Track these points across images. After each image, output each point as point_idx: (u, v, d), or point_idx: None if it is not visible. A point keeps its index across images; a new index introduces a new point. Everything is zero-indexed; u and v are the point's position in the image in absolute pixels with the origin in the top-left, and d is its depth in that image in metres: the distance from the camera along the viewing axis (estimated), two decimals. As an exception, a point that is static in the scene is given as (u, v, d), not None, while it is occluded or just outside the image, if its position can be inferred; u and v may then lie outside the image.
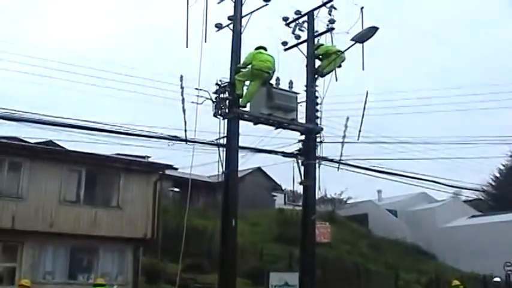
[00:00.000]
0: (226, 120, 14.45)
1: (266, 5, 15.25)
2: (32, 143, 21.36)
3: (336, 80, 16.30)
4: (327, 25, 16.20)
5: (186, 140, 14.63)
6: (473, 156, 22.61)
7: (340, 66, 16.40)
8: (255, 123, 15.06)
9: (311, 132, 15.79)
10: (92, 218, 21.45)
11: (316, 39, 16.55)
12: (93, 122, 14.78)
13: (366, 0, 16.05)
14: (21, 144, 21.15)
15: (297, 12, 16.48)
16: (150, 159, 23.87)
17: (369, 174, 17.71)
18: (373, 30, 14.48)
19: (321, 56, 16.42)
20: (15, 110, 14.92)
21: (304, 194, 16.19)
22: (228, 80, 14.67)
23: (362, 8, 16.15)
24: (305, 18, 16.45)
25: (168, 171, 23.93)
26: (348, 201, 47.20)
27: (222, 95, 14.54)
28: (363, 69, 16.39)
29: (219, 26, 15.45)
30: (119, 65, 17.07)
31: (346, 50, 15.70)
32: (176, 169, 23.06)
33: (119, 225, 22.02)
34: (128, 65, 17.12)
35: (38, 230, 20.17)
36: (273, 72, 14.83)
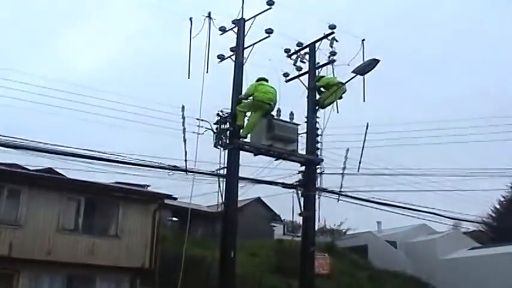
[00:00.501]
0: (226, 151, 14.48)
1: (268, 36, 15.38)
2: (31, 171, 21.33)
3: (337, 111, 16.42)
4: (328, 57, 16.37)
5: (186, 170, 14.72)
6: (474, 188, 22.51)
7: (341, 97, 16.49)
8: (256, 154, 15.09)
9: (311, 163, 15.79)
10: (90, 247, 21.34)
11: (317, 71, 16.68)
12: (93, 151, 14.95)
13: (367, 33, 16.20)
14: (21, 171, 21.19)
15: (299, 44, 16.65)
16: (149, 188, 23.83)
17: (368, 206, 17.72)
18: (374, 62, 14.53)
19: (322, 88, 16.52)
20: (15, 138, 14.99)
21: (304, 225, 16.10)
22: (229, 111, 14.79)
23: (363, 40, 16.45)
24: (306, 50, 16.63)
25: (167, 201, 23.87)
26: (348, 233, 46.98)
27: (223, 126, 14.65)
28: (364, 100, 16.63)
29: (221, 57, 15.67)
30: (120, 94, 17.13)
31: (347, 82, 15.83)
32: (175, 199, 22.98)
33: (117, 254, 21.91)
34: (128, 94, 17.18)
35: (35, 258, 19.99)
36: (274, 104, 14.97)
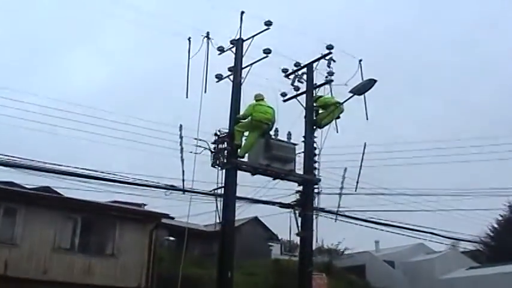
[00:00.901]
0: (224, 170, 14.47)
1: (266, 57, 15.46)
2: (28, 189, 21.30)
3: (337, 131, 16.54)
4: (326, 77, 16.37)
5: (183, 190, 14.65)
6: (472, 207, 22.43)
7: (338, 117, 16.56)
8: (253, 174, 15.07)
9: (309, 183, 15.75)
10: (86, 266, 21.26)
11: (314, 91, 16.71)
12: (90, 170, 14.86)
13: (364, 53, 16.30)
14: (17, 190, 21.15)
15: (296, 64, 16.72)
16: (146, 207, 23.77)
17: (366, 226, 17.66)
18: (371, 82, 14.67)
19: (320, 109, 16.58)
20: (12, 156, 14.95)
21: (301, 245, 16.00)
22: (227, 131, 14.82)
23: (360, 60, 16.53)
24: (304, 70, 16.68)
25: (164, 220, 23.82)
26: (345, 252, 46.78)
27: (220, 145, 14.67)
28: (367, 119, 16.80)
29: (219, 77, 15.71)
30: (118, 113, 17.08)
31: (344, 102, 15.91)
32: (173, 218, 22.94)
33: (113, 273, 21.79)
34: (126, 113, 17.12)
35: (30, 277, 19.79)
36: (273, 124, 15.09)
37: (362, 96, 15.79)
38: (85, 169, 14.78)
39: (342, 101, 16.07)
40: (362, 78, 15.66)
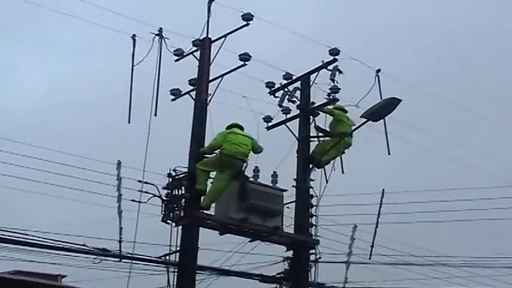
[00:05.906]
0: (180, 228, 13.10)
1: (244, 65, 14.11)
2: None
3: (343, 172, 15.24)
4: (328, 94, 15.00)
5: (120, 256, 13.44)
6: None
7: (343, 152, 15.22)
8: (222, 233, 13.62)
9: (302, 246, 14.40)
10: None
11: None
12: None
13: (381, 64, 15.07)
14: None
15: (287, 77, 15.34)
16: (65, 280, 22.00)
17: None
18: (393, 102, 13.12)
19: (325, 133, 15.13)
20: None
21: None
22: (186, 170, 13.47)
23: (378, 70, 15.47)
24: (297, 84, 15.35)
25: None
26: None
27: (176, 191, 13.33)
28: (389, 153, 16.07)
29: (176, 94, 14.49)
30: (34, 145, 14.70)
31: (355, 129, 14.51)
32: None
33: None
34: (47, 145, 14.93)
35: None
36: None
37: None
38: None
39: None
40: (381, 97, 14.48)
